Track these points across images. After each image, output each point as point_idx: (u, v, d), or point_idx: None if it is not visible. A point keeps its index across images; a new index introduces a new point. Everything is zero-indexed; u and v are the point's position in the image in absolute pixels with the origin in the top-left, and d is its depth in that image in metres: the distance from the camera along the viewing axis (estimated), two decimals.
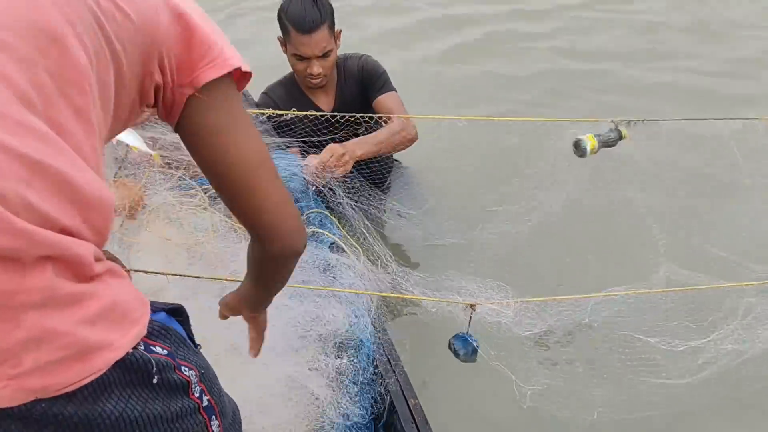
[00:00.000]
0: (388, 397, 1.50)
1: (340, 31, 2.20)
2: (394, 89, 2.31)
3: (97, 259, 0.65)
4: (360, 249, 1.93)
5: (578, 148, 1.77)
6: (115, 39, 0.68)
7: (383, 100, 2.25)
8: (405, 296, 1.50)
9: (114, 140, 1.69)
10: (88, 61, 0.64)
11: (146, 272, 1.41)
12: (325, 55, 2.14)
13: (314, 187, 2.05)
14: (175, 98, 0.78)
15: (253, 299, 1.07)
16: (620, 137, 1.79)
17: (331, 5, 2.15)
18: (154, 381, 0.68)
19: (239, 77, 0.83)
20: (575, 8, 5.28)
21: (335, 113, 2.07)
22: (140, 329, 0.68)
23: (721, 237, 2.44)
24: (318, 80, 2.22)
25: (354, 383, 1.48)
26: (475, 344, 1.41)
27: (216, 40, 0.79)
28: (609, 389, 1.53)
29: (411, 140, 2.20)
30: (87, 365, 0.61)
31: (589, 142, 1.75)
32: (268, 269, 0.95)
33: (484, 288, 1.42)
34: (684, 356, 1.47)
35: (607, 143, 1.78)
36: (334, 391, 1.45)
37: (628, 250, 2.41)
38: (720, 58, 4.31)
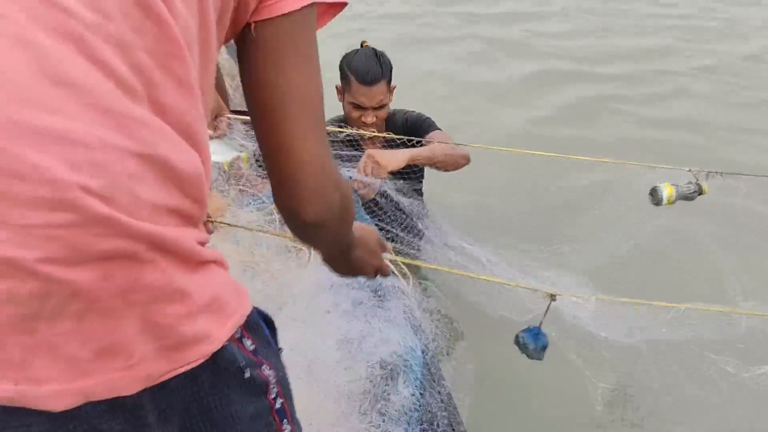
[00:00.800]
0: (436, 423, 1.47)
1: (395, 86, 2.36)
2: (440, 129, 2.41)
3: (202, 243, 0.65)
4: (409, 273, 1.93)
5: (654, 196, 1.74)
6: None
7: (431, 135, 2.36)
8: (484, 278, 1.47)
9: None
10: (186, 25, 0.62)
11: (230, 225, 1.46)
12: (380, 107, 2.31)
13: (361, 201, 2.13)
14: (240, 17, 0.74)
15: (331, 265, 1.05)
16: (700, 192, 1.74)
17: (390, 63, 2.33)
18: (246, 375, 0.69)
19: (325, 9, 0.78)
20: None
21: (387, 135, 2.20)
22: (236, 321, 0.68)
23: None
24: (370, 130, 2.34)
25: (402, 406, 1.46)
26: (545, 340, 1.38)
27: None
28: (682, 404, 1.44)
29: (464, 157, 2.26)
30: (184, 355, 0.62)
31: (666, 190, 1.72)
32: (293, 233, 0.86)
33: (563, 280, 1.39)
34: (751, 382, 1.40)
35: (685, 196, 1.73)
36: (382, 414, 1.43)
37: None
38: None
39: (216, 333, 0.65)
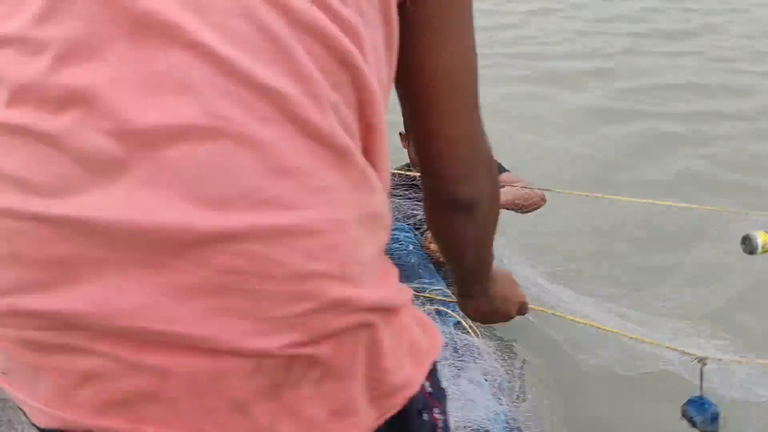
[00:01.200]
0: None
1: None
2: (508, 170, 2.37)
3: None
4: (478, 331, 1.84)
5: (747, 245, 1.62)
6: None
7: (501, 178, 2.27)
8: (629, 335, 1.35)
9: None
10: (374, 51, 0.59)
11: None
12: None
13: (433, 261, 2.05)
14: None
15: (460, 296, 0.98)
16: None
17: None
18: (423, 418, 0.68)
19: None
20: None
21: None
22: (430, 360, 0.68)
23: None
24: None
25: None
26: (715, 409, 1.27)
27: None
28: None
29: (542, 197, 2.22)
30: (391, 402, 0.63)
31: (760, 237, 1.60)
32: (437, 230, 0.82)
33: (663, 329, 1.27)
34: None
35: None
36: None
37: None
38: None
39: (414, 376, 0.65)
